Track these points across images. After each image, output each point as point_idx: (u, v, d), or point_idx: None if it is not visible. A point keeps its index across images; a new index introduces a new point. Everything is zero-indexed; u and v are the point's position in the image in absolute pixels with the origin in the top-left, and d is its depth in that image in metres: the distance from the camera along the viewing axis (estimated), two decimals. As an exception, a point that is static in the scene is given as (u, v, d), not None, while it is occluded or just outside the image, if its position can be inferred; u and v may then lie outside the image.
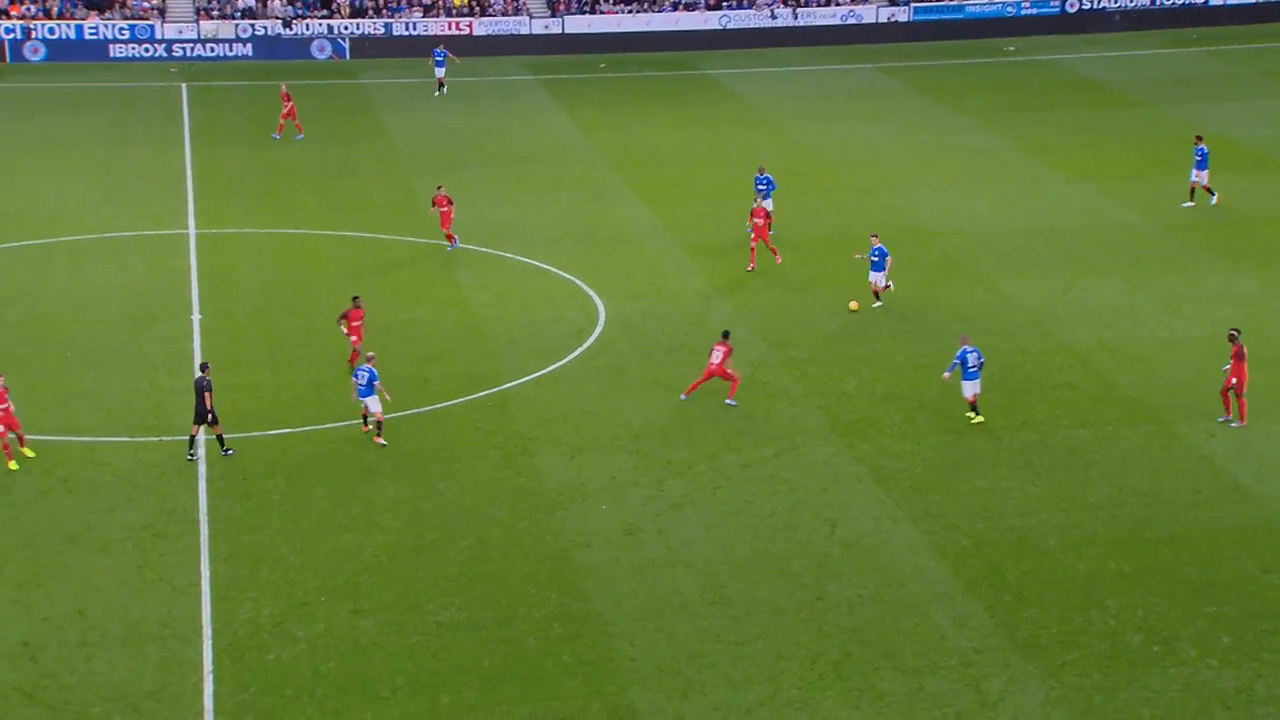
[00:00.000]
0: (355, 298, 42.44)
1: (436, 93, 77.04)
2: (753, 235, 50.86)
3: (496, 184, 61.69)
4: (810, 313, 47.79)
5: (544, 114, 74.33)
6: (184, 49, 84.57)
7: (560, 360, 43.81)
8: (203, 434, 37.60)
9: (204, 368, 37.66)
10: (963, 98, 78.40)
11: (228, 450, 37.35)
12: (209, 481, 36.38)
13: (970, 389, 39.37)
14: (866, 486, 36.69)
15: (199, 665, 29.33)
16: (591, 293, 49.24)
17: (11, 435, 36.72)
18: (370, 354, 38.61)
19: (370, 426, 38.31)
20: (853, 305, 44.96)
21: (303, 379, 42.45)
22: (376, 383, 37.76)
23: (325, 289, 49.27)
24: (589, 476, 36.94)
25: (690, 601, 31.86)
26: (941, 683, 29.01)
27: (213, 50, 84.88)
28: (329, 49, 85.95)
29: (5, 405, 36.53)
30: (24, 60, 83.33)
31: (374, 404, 37.75)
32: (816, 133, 71.49)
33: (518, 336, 45.19)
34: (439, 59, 76.95)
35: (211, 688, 28.64)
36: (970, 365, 39.20)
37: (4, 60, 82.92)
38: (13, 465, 36.55)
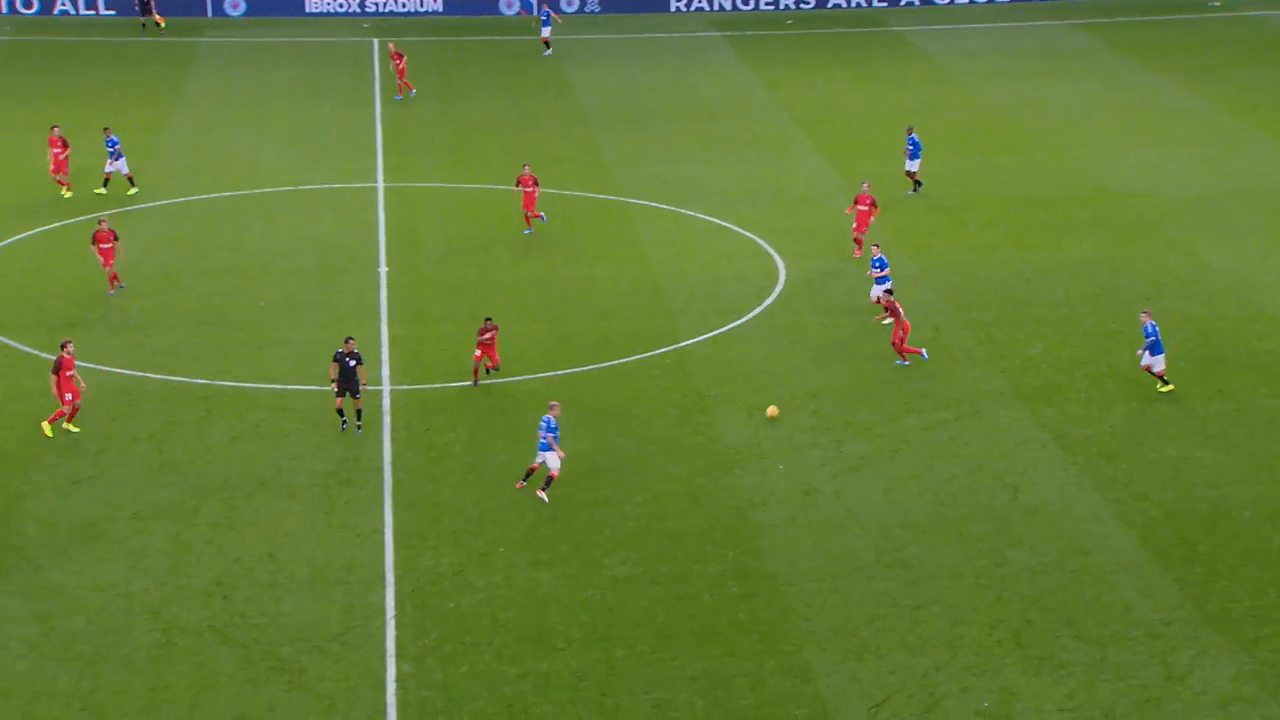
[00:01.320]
0: (488, 320, 39.61)
1: (546, 52, 76.73)
2: (855, 224, 48.07)
3: (679, 141, 61.82)
4: (995, 274, 47.28)
5: (729, 71, 74.19)
6: (376, 4, 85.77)
7: (739, 319, 43.88)
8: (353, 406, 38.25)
9: (349, 341, 36.90)
10: (1163, 55, 76.62)
11: (360, 427, 36.90)
12: (393, 431, 37.15)
13: (1158, 363, 38.56)
14: (1051, 452, 36.28)
15: (382, 610, 30.06)
16: (772, 251, 49.21)
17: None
18: (553, 402, 34.55)
19: (524, 483, 34.56)
20: (771, 411, 37.01)
21: (502, 332, 42.98)
22: (555, 435, 34.08)
23: (509, 244, 49.90)
24: (766, 436, 37.04)
25: (866, 564, 31.85)
26: (1126, 654, 28.66)
27: (404, 6, 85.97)
28: (517, 5, 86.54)
29: (71, 372, 36.51)
30: (224, 15, 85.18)
31: (553, 460, 33.91)
32: (1007, 91, 70.43)
33: (697, 294, 45.36)
34: (544, 19, 76.89)
35: (394, 632, 29.36)
36: (1152, 339, 38.36)
37: (205, 14, 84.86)
38: (71, 427, 36.54)
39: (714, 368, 40.77)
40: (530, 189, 49.82)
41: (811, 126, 63.76)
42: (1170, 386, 38.63)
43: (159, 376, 39.82)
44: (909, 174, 54.59)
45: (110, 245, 43.98)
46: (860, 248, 47.41)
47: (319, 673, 28.11)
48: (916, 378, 39.96)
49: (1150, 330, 38.06)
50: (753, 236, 50.58)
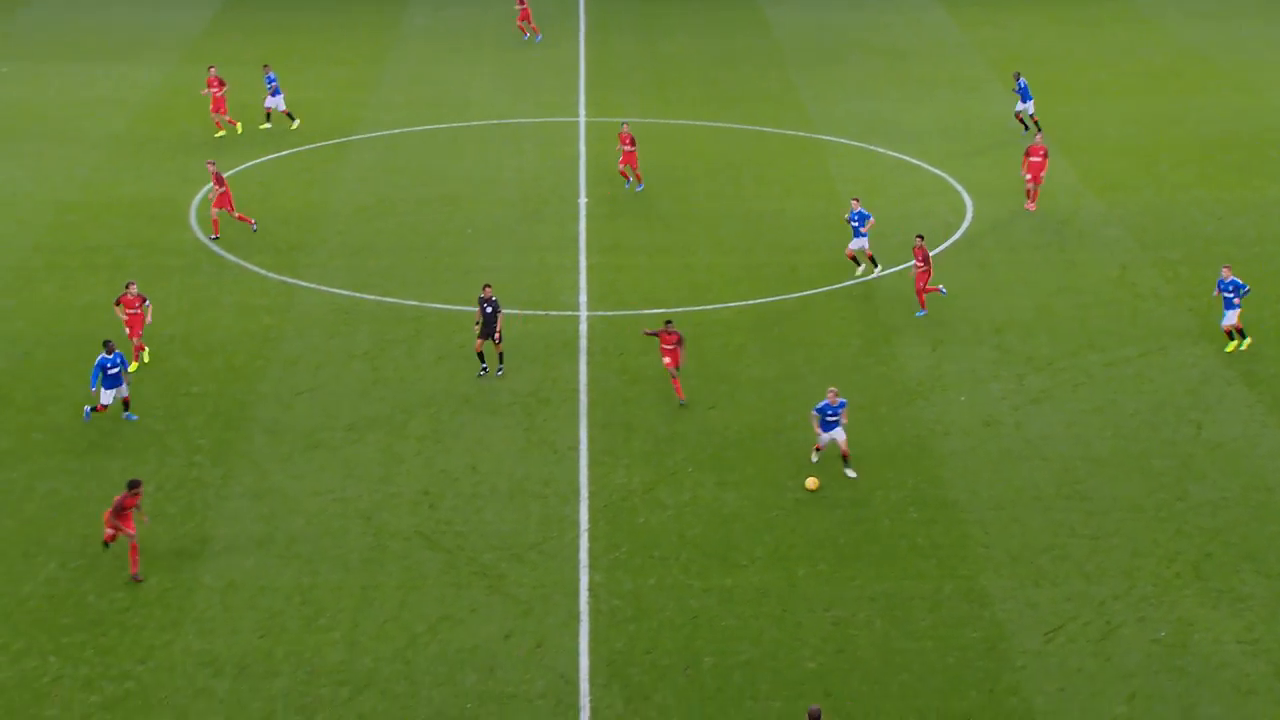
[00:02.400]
0: (668, 321, 35.99)
1: None
2: (1029, 177, 46.29)
3: (872, 79, 61.25)
4: (1186, 213, 46.34)
5: (924, 11, 73.09)
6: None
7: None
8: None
9: (486, 288, 36.41)
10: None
11: (501, 370, 36.63)
12: (589, 355, 37.69)
13: (1230, 318, 37.19)
14: (1236, 390, 35.65)
15: (576, 523, 30.72)
16: (960, 189, 48.73)
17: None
18: (832, 389, 32.15)
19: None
20: (810, 484, 31.98)
21: (677, 263, 43.35)
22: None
23: (704, 177, 50.07)
24: (949, 368, 36.91)
25: (1046, 495, 31.70)
26: (1305, 589, 28.26)
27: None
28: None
29: (134, 311, 36.34)
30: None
31: (839, 435, 32.10)
32: (1206, 31, 68.40)
33: (885, 229, 45.10)
34: None
35: (587, 544, 30.01)
36: (1229, 294, 36.99)
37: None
38: (133, 366, 36.17)
39: (899, 300, 40.62)
40: (630, 147, 48.04)
41: (1004, 67, 62.68)
42: (1237, 342, 37.36)
43: (373, 297, 40.84)
44: (1018, 116, 53.54)
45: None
46: (1031, 200, 46.38)
47: (517, 579, 28.88)
48: (1100, 315, 39.43)
49: (1225, 285, 36.95)
50: (941, 174, 50.12)
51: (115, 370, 33.56)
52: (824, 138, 53.81)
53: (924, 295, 39.65)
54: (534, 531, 30.34)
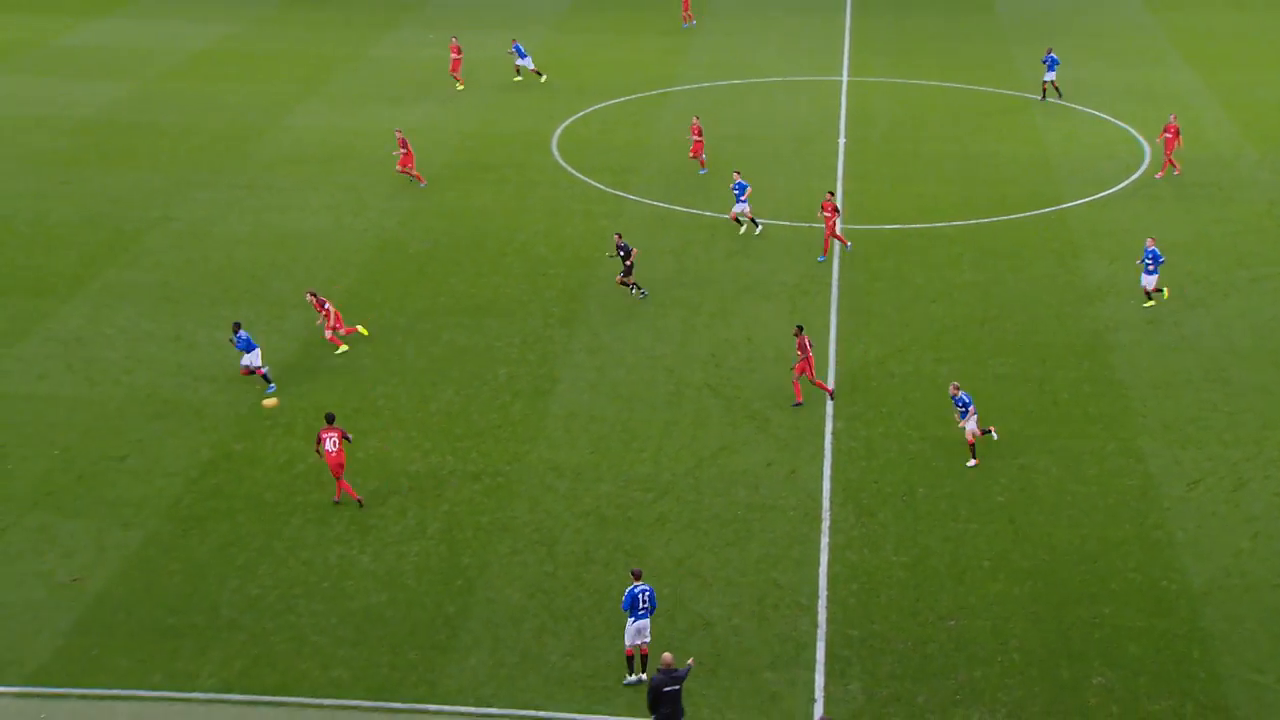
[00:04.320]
0: (799, 328, 29.96)
1: None
2: (1165, 146, 41.92)
3: (1075, 51, 58.21)
4: (1328, 164, 43.09)
5: (1120, -3, 69.13)
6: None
7: (1110, 189, 41.67)
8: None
9: (618, 236, 34.78)
10: None
11: (642, 293, 34.45)
12: (840, 258, 37.31)
13: (1149, 281, 33.38)
14: (1357, 305, 33.31)
15: (825, 382, 30.63)
16: (1140, 139, 46.19)
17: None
18: (955, 384, 27.94)
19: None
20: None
21: (911, 190, 42.33)
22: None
23: (935, 126, 48.69)
24: (1123, 279, 35.36)
25: (1194, 378, 30.32)
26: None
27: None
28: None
29: (327, 310, 31.97)
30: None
31: (972, 424, 27.41)
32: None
33: (1077, 168, 43.23)
34: None
35: (831, 405, 29.91)
36: (1147, 262, 33.24)
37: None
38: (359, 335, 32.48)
39: (1087, 224, 38.99)
40: (698, 138, 43.51)
41: (1184, 43, 58.87)
42: (1155, 303, 33.48)
43: (681, 208, 41.08)
44: (1043, 85, 50.42)
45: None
46: (1164, 171, 42.68)
47: (779, 422, 29.06)
48: (1249, 240, 37.16)
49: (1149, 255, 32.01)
50: (1126, 127, 47.57)
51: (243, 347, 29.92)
52: (1032, 97, 51.57)
53: (829, 241, 36.67)
54: (791, 389, 30.36)
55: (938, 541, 25.06)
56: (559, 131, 48.12)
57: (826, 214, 36.82)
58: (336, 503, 25.93)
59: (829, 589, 23.76)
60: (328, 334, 31.99)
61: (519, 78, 54.22)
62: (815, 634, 22.64)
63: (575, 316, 33.93)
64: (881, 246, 37.86)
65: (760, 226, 39.00)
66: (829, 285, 35.62)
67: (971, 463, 27.29)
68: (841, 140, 47.31)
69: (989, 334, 32.79)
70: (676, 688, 19.60)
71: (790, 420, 28.95)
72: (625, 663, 21.63)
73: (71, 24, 61.10)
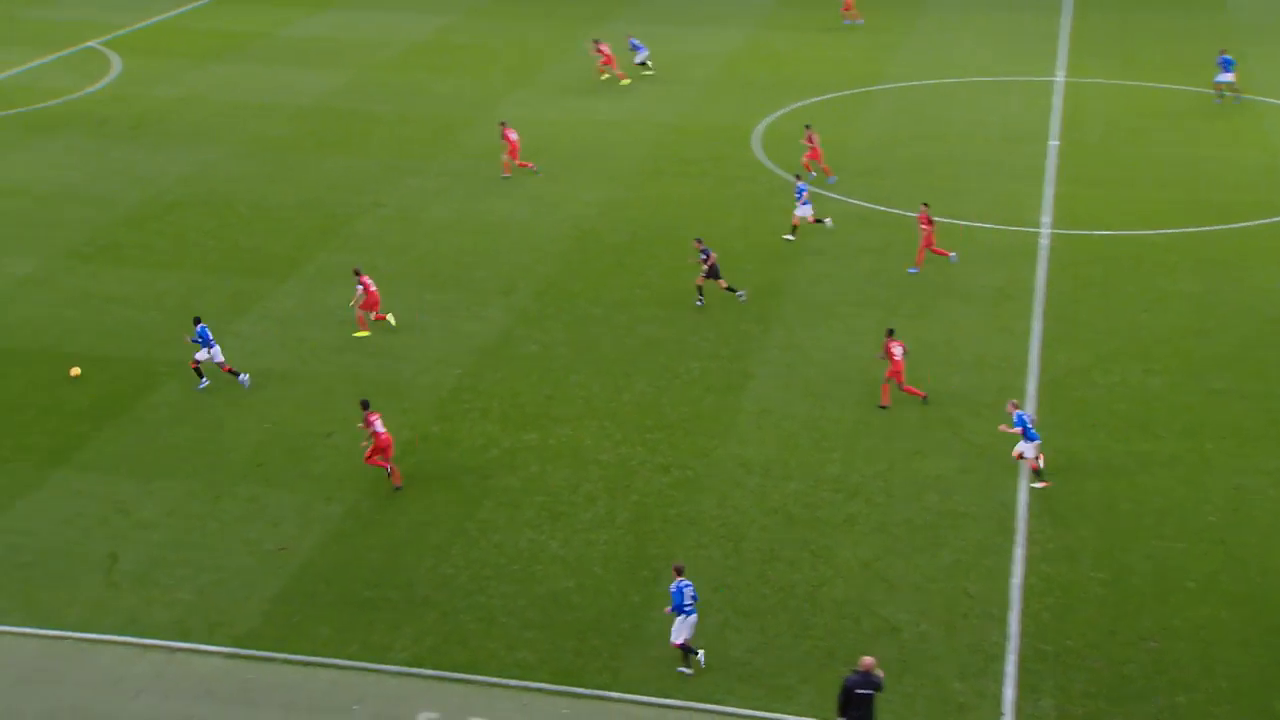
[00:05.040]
0: (890, 330, 29.90)
1: None
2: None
3: (1314, 52, 55.30)
4: None
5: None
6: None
7: (1348, 198, 39.48)
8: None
9: (698, 241, 34.16)
10: None
11: (741, 294, 33.97)
12: (1049, 264, 36.30)
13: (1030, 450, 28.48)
14: None
15: (1023, 392, 29.91)
16: (1385, 146, 43.58)
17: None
18: (1012, 400, 27.53)
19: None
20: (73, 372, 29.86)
21: (1128, 195, 40.86)
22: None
23: (1158, 129, 46.87)
24: (1358, 294, 33.43)
25: None
26: None
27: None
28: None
29: (375, 290, 32.55)
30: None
31: (1029, 450, 26.23)
32: None
33: (1312, 176, 41.06)
34: None
35: (1032, 408, 29.18)
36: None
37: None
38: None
39: (1318, 236, 37.03)
40: (812, 145, 41.99)
41: None
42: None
43: (880, 208, 40.65)
44: (1216, 86, 48.23)
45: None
46: None
47: (973, 428, 28.51)
48: None
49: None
50: (1368, 133, 44.94)
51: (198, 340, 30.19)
52: (1264, 100, 49.10)
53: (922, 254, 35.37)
54: (990, 394, 29.79)
55: (1139, 559, 24.21)
56: (761, 127, 48.12)
57: (923, 225, 35.76)
58: (398, 489, 26.32)
59: (1022, 601, 23.23)
60: (358, 314, 32.48)
61: (649, 72, 54.37)
62: (1006, 646, 22.17)
63: (770, 312, 33.94)
64: (1091, 253, 36.68)
65: (829, 221, 38.17)
66: (1032, 290, 34.73)
67: (1039, 484, 26.10)
68: (1053, 143, 45.98)
69: (1204, 346, 31.46)
70: (870, 692, 19.46)
71: (986, 426, 28.35)
72: (681, 656, 21.52)
73: (299, 16, 64.06)
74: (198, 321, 30.53)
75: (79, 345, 31.79)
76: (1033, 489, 26.20)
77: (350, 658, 22.06)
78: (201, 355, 30.20)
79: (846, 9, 63.39)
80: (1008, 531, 25.13)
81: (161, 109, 49.40)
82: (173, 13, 64.01)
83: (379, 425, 26.43)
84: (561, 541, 25.10)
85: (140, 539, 24.92)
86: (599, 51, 53.53)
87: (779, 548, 24.80)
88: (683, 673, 21.55)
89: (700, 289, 33.94)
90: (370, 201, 41.61)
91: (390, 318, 33.02)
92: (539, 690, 21.34)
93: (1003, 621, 22.74)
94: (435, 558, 24.66)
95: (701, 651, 21.69)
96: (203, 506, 26.02)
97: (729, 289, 34.06)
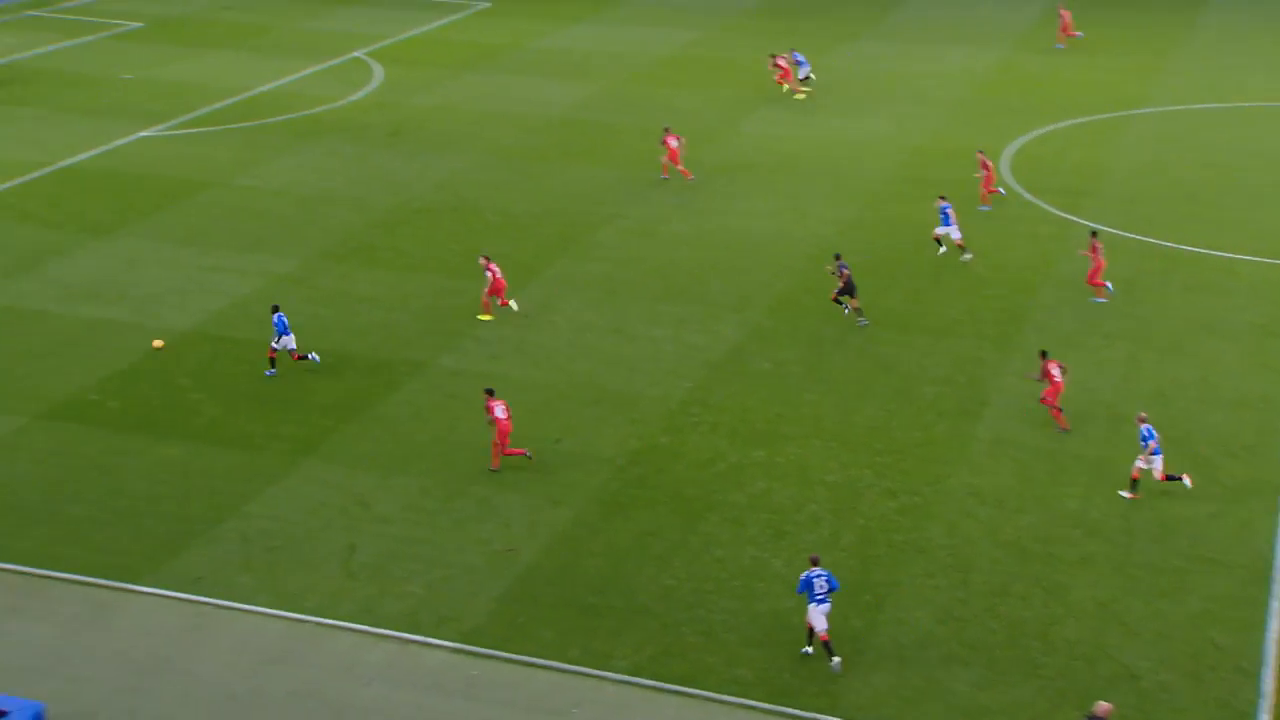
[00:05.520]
0: (1044, 352, 29.67)
1: None
2: None
3: None
4: None
5: None
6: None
7: None
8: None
9: (838, 256, 34.24)
10: None
11: (862, 320, 33.77)
12: (1320, 300, 34.22)
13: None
14: None
15: (1287, 435, 28.27)
16: None
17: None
18: (1141, 413, 27.20)
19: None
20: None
21: None
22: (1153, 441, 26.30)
23: None
24: None
25: None
26: None
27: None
28: None
29: (500, 277, 34.39)
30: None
31: (1158, 464, 26.23)
32: None
33: None
34: None
35: (1295, 453, 27.55)
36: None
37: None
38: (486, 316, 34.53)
39: None
40: (988, 171, 41.23)
41: None
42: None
43: (1135, 236, 39.08)
44: None
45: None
46: None
47: (1229, 471, 27.10)
48: None
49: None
50: None
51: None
52: None
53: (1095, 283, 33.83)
54: (1248, 435, 28.28)
55: None
56: (1012, 150, 46.92)
57: (1092, 256, 34.84)
58: (495, 470, 27.63)
59: (1277, 658, 21.87)
60: (484, 299, 34.38)
61: (807, 88, 54.04)
62: (1258, 704, 20.92)
63: (1010, 339, 33.05)
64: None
65: (969, 255, 37.38)
66: (1302, 328, 32.79)
67: (1127, 495, 25.94)
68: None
69: None
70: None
71: (1242, 470, 26.87)
72: (807, 636, 22.25)
73: (551, 29, 65.98)
74: (275, 310, 31.97)
75: (330, 342, 33.53)
76: (1120, 496, 25.89)
77: (571, 662, 22.49)
78: (276, 343, 31.70)
79: (1064, 31, 61.64)
80: (1262, 582, 23.73)
81: (418, 117, 51.68)
82: (433, 24, 66.92)
83: (499, 412, 27.81)
84: (785, 560, 25.02)
85: (377, 532, 26.06)
86: (776, 66, 54.27)
87: (1010, 582, 24.09)
88: (833, 668, 21.84)
89: (839, 301, 34.24)
90: (611, 212, 42.47)
91: (513, 303, 34.66)
92: (755, 708, 21.30)
93: (1255, 677, 21.48)
94: (657, 568, 24.93)
95: (838, 659, 21.88)
96: (436, 504, 27.03)
97: (857, 309, 33.95)
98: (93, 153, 46.78)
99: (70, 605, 23.68)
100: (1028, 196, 42.47)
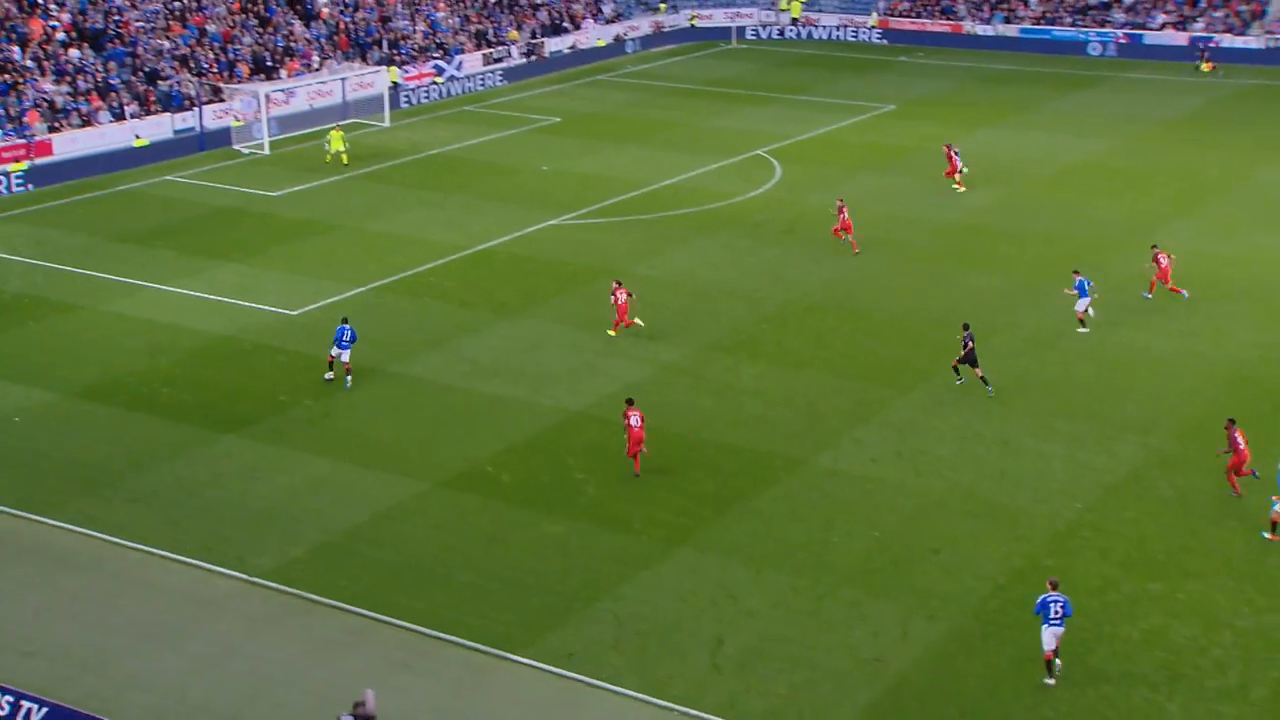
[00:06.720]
0: (1230, 420, 29.86)
1: None
2: None
3: None
4: None
5: None
6: None
7: None
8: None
9: (966, 326, 35.85)
10: None
11: (989, 388, 35.32)
12: None
13: None
14: None
15: None
16: None
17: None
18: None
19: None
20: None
21: None
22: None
23: None
24: None
25: None
26: None
27: None
28: None
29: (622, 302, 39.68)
30: None
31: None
32: None
33: None
34: None
35: None
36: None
37: None
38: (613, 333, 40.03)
39: None
40: (1163, 265, 41.68)
41: None
42: None
43: None
44: None
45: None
46: None
47: None
48: None
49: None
50: None
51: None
52: None
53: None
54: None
55: None
56: None
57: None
58: (637, 475, 30.74)
59: None
60: (614, 319, 39.67)
61: (957, 180, 54.32)
62: None
63: None
64: None
65: (1085, 328, 38.92)
66: None
67: (1268, 536, 26.93)
68: None
69: None
70: None
71: None
72: (1046, 668, 23.61)
73: (958, 132, 65.42)
74: (345, 320, 36.51)
75: (711, 433, 34.28)
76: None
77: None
78: (334, 351, 36.26)
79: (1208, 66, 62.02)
80: None
81: (812, 215, 52.48)
82: (833, 125, 68.05)
83: (634, 420, 31.01)
84: (1181, 706, 23.22)
85: (745, 626, 26.20)
86: (950, 158, 55.06)
87: None
88: (1045, 683, 23.32)
89: (956, 370, 36.16)
90: (1005, 321, 41.42)
91: (639, 320, 39.82)
92: None
93: None
94: (1035, 697, 23.74)
95: (1059, 661, 23.45)
96: (805, 603, 26.92)
97: (982, 378, 35.58)
98: (507, 237, 50.36)
99: (454, 668, 25.09)
100: None
